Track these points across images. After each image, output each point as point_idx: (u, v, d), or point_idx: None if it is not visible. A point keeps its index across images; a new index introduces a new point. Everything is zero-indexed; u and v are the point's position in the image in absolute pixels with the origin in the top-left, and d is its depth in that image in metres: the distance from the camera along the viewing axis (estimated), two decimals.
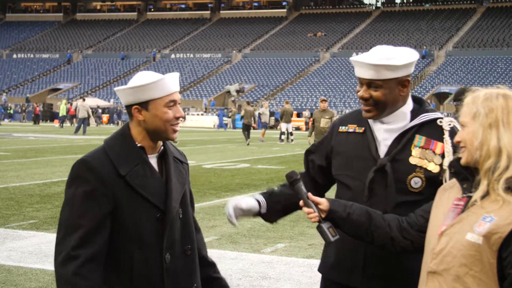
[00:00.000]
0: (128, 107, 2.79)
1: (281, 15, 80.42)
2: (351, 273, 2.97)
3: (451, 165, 2.45)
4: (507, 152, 2.26)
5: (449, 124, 2.96)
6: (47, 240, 8.58)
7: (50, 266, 7.32)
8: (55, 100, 62.22)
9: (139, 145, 2.79)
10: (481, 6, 73.21)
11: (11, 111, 60.71)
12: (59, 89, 68.64)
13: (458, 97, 7.10)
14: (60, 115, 48.18)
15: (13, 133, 36.08)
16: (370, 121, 3.02)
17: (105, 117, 57.01)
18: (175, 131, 2.79)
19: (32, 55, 78.07)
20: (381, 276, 2.93)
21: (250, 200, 3.16)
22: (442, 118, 2.98)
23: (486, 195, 2.29)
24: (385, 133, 2.97)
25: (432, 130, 2.96)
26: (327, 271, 3.10)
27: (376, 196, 2.91)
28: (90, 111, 38.39)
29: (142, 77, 2.76)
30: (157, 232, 2.75)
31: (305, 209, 2.67)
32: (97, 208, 2.67)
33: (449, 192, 2.49)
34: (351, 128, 3.07)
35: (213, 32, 78.58)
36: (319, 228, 2.63)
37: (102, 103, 58.92)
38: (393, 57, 2.87)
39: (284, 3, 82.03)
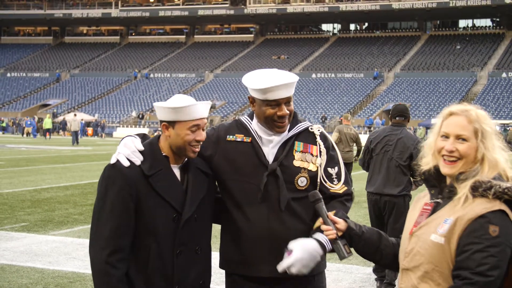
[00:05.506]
0: (161, 122, 2.90)
1: (249, 40, 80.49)
2: (260, 265, 2.99)
3: (422, 173, 2.50)
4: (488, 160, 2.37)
5: (319, 130, 3.11)
6: (37, 241, 8.52)
7: (40, 264, 7.29)
8: (45, 115, 61.47)
9: (164, 154, 2.89)
10: (424, 34, 74.04)
11: (4, 125, 59.87)
12: (49, 104, 67.77)
13: (403, 113, 7.11)
14: (45, 128, 47.65)
15: (7, 144, 35.50)
16: (256, 131, 3.06)
17: (90, 130, 56.46)
18: (193, 151, 2.89)
19: (24, 74, 76.98)
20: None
21: None
22: (311, 125, 3.13)
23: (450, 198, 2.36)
24: (270, 143, 3.04)
25: (307, 136, 3.09)
26: (234, 267, 3.08)
27: (269, 196, 2.98)
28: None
29: (176, 100, 2.85)
30: (172, 230, 2.84)
31: (324, 227, 2.67)
32: (123, 205, 2.77)
33: (422, 200, 2.54)
34: (239, 137, 3.09)
35: (188, 54, 78.33)
36: (335, 244, 2.64)
37: (87, 117, 58.45)
38: (288, 74, 2.96)
39: (251, 29, 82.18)
